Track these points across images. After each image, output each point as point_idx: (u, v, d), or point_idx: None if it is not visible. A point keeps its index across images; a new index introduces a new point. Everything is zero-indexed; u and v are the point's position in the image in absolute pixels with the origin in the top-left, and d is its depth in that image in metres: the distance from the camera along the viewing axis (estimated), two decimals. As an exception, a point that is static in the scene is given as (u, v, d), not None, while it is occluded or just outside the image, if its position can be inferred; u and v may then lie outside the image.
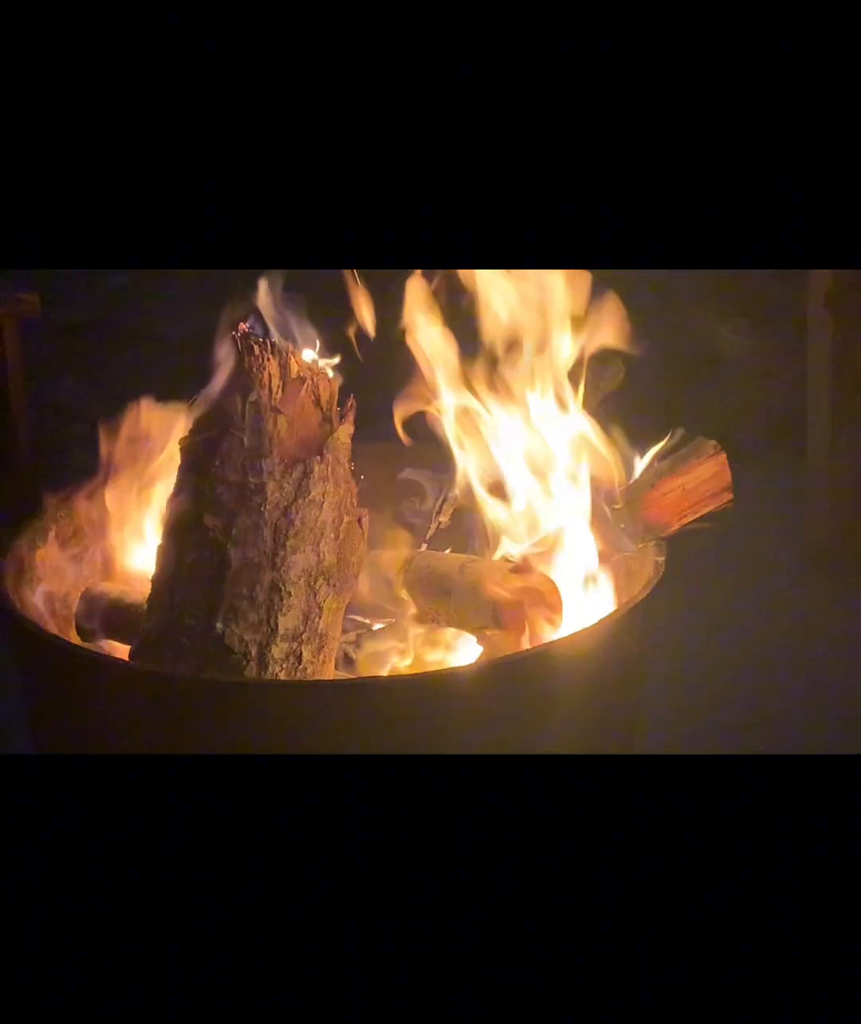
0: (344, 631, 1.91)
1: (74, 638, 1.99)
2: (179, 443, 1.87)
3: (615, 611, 1.86)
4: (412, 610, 1.95)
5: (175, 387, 2.00)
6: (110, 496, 2.08)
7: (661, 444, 1.99)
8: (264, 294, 1.93)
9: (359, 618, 2.00)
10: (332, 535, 1.81)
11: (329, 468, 1.82)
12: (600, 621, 1.82)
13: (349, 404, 1.85)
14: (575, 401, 2.02)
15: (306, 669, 1.79)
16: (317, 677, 1.80)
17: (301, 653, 1.80)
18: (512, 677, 1.75)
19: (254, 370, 1.81)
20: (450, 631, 1.95)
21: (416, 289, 2.01)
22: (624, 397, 2.03)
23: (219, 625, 1.78)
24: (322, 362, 1.88)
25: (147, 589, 1.88)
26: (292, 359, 1.83)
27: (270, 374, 1.81)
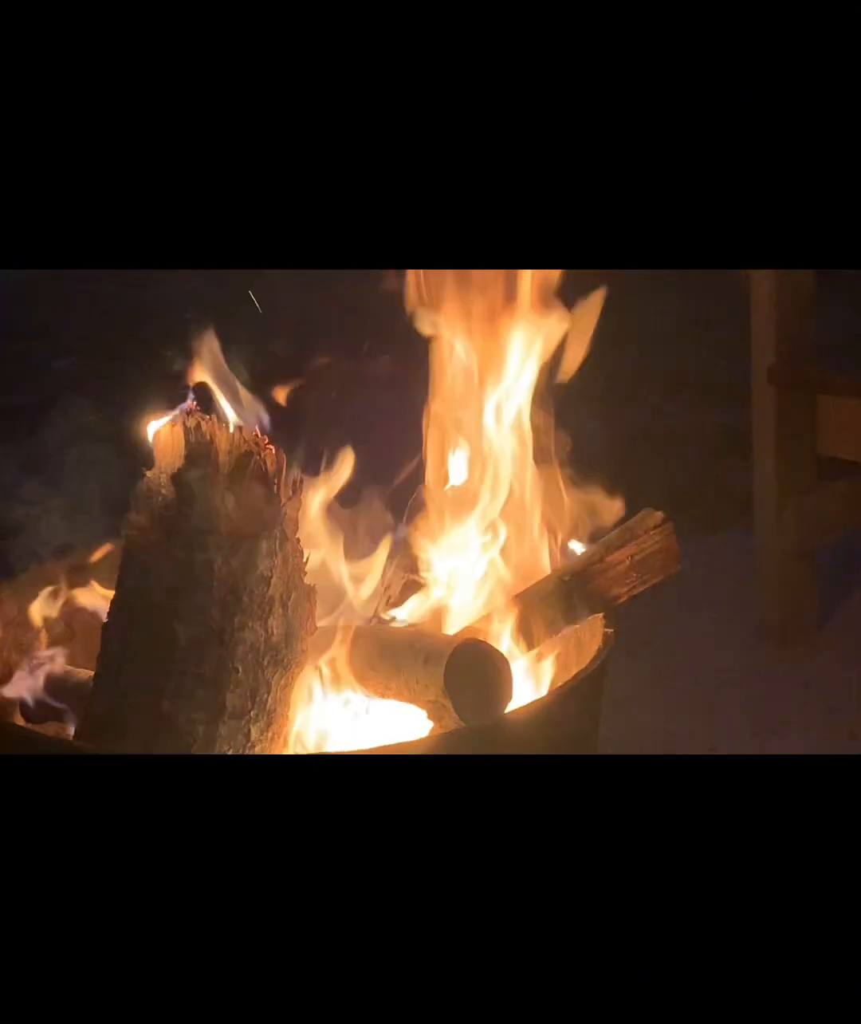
0: None
1: (18, 718, 1.96)
2: (125, 520, 1.86)
3: (565, 683, 1.85)
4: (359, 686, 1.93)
5: (122, 466, 1.99)
6: (55, 577, 2.06)
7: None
8: (210, 367, 1.93)
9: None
10: (280, 610, 1.80)
11: (277, 543, 1.81)
12: (550, 693, 1.81)
13: (297, 478, 1.85)
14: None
15: (254, 746, 1.77)
16: (265, 754, 1.78)
17: (249, 731, 1.78)
18: (461, 750, 1.74)
19: (200, 446, 1.81)
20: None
21: None
22: (571, 468, 2.04)
23: (166, 704, 1.76)
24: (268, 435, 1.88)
25: (92, 668, 1.86)
26: (239, 433, 1.83)
27: (217, 449, 1.81)
